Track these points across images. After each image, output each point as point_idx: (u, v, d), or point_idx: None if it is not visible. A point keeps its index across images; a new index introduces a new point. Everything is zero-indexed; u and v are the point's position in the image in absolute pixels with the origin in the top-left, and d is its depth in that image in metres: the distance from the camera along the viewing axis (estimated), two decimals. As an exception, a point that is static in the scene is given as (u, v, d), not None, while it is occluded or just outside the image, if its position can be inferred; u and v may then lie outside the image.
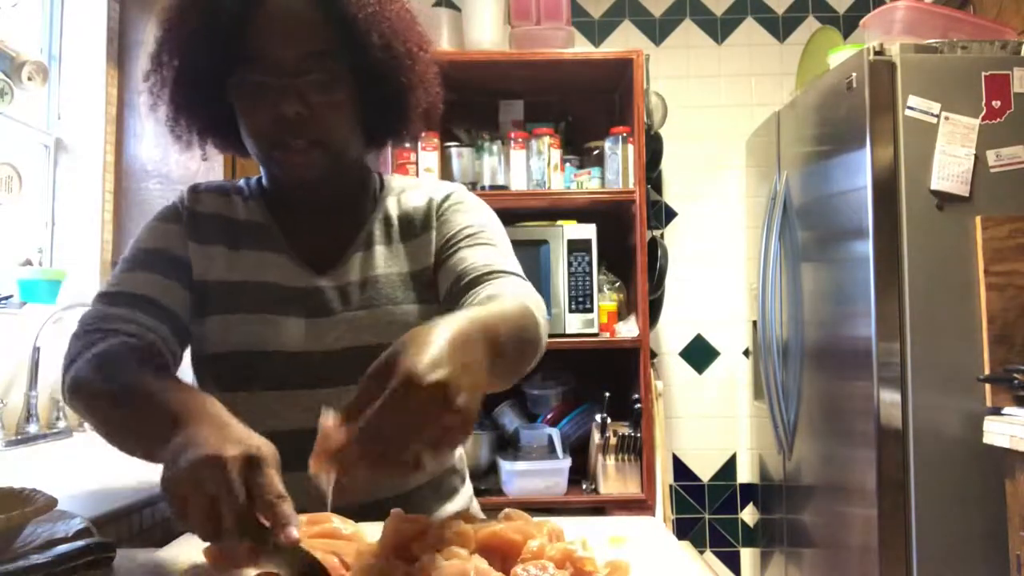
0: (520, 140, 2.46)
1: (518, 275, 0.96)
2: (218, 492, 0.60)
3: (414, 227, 1.06)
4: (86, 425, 1.92)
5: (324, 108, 0.94)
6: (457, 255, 0.99)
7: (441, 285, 1.01)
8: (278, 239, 1.04)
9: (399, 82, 1.01)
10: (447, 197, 1.08)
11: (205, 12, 0.94)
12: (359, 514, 0.84)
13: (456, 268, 0.97)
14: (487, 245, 1.00)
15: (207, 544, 0.65)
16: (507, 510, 0.72)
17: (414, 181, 1.15)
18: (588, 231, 2.41)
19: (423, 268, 1.04)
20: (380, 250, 1.04)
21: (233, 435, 0.66)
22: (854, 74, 2.04)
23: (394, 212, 1.07)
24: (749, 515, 2.92)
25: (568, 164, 2.52)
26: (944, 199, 1.96)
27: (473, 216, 1.05)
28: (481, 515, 1.08)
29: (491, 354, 0.69)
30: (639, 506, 2.25)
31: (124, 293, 0.95)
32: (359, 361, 0.94)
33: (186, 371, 1.02)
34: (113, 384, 0.82)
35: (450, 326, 0.65)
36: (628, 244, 2.49)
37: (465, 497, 1.11)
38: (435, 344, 0.61)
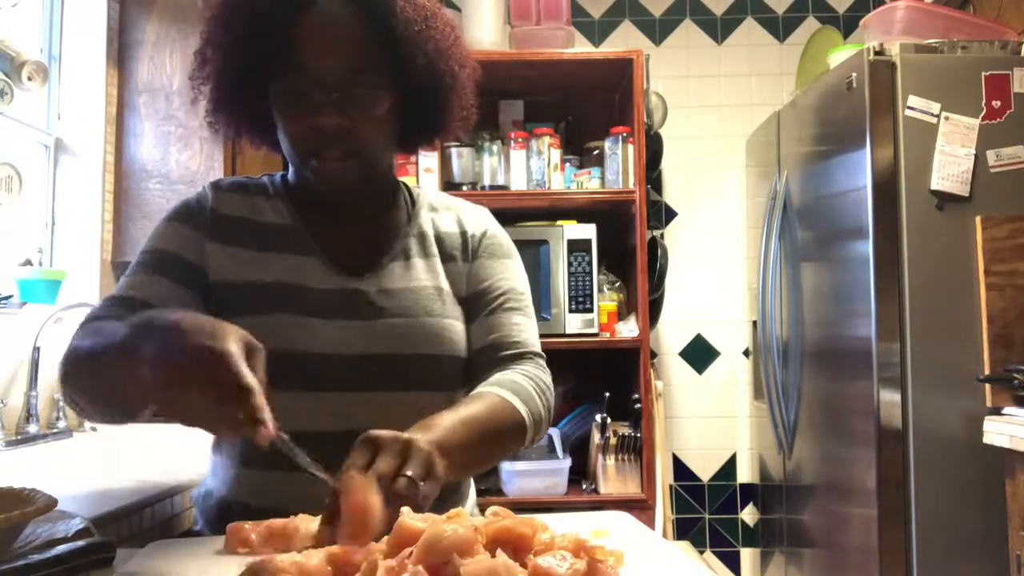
0: (520, 140, 2.46)
1: (537, 354, 1.06)
2: (230, 385, 0.65)
3: (448, 251, 1.09)
4: (86, 425, 1.93)
5: (363, 122, 0.96)
6: (492, 318, 1.05)
7: (474, 338, 1.05)
8: (307, 242, 1.03)
9: (439, 99, 1.03)
10: (483, 235, 1.11)
11: (252, 15, 0.95)
12: None
13: (490, 335, 1.05)
14: (518, 311, 1.08)
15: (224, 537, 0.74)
16: (494, 508, 0.72)
17: (442, 198, 1.17)
18: (588, 231, 2.41)
19: (457, 292, 1.07)
20: (418, 263, 1.06)
21: (222, 327, 0.70)
22: (854, 74, 2.04)
23: (429, 230, 1.09)
24: (749, 515, 2.92)
25: (568, 164, 2.52)
26: (944, 199, 1.96)
27: (505, 268, 1.10)
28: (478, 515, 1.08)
29: (469, 455, 0.85)
30: (639, 506, 2.26)
31: (129, 298, 0.96)
32: (391, 368, 0.99)
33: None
34: (97, 339, 0.81)
35: (445, 431, 0.81)
36: (628, 244, 2.49)
37: (471, 501, 1.12)
38: (431, 453, 0.76)
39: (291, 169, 1.08)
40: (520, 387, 0.98)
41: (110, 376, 0.78)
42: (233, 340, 0.68)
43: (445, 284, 1.06)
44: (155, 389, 0.68)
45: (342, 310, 0.99)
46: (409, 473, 0.72)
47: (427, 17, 0.98)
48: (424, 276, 1.05)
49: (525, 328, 1.07)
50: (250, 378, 0.67)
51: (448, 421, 0.84)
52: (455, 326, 1.04)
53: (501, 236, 1.14)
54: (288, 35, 0.94)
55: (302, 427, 0.90)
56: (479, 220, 1.14)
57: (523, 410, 0.95)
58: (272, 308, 0.98)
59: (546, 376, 1.05)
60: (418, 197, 1.14)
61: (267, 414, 0.67)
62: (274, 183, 1.09)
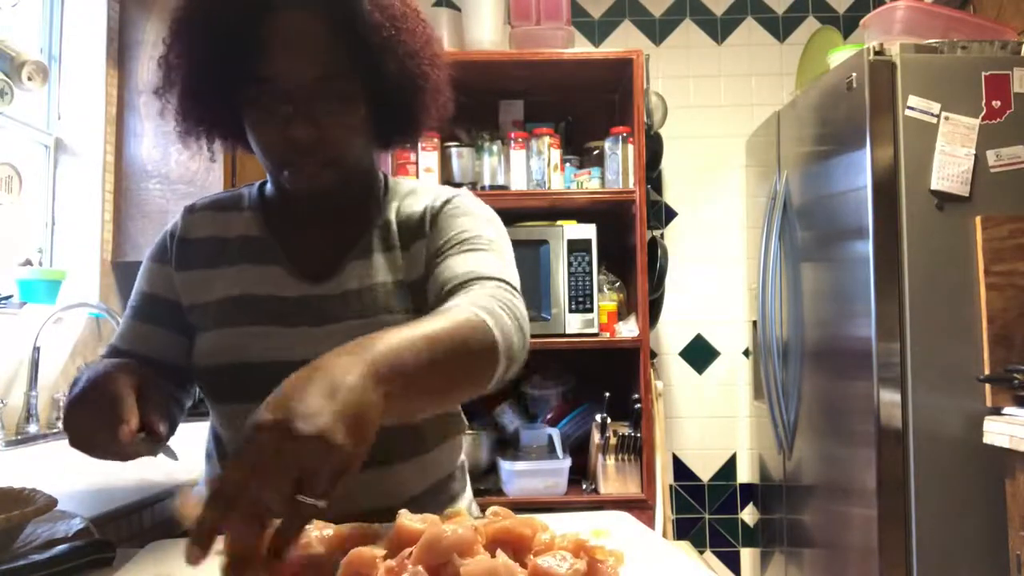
0: (520, 140, 2.46)
1: (501, 279, 0.91)
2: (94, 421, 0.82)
3: (411, 234, 1.03)
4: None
5: (335, 130, 0.93)
6: (444, 263, 0.95)
7: (429, 295, 0.96)
8: (274, 251, 1.02)
9: (413, 101, 1.00)
10: (446, 203, 1.04)
11: (214, 23, 0.92)
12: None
13: (440, 277, 0.94)
14: (477, 251, 0.96)
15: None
16: (494, 508, 0.72)
17: (417, 185, 1.11)
18: (588, 231, 2.41)
19: (418, 277, 1.01)
20: (378, 258, 1.02)
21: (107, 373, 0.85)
22: (854, 74, 2.04)
23: (394, 218, 1.05)
24: (749, 515, 2.92)
25: (568, 164, 2.52)
26: (944, 199, 1.96)
27: (468, 221, 1.01)
28: (477, 514, 1.08)
29: (412, 377, 0.66)
30: (639, 506, 2.25)
31: (117, 348, 1.02)
32: None
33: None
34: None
35: (344, 363, 0.63)
36: (628, 244, 2.49)
37: (465, 502, 1.10)
38: (311, 391, 0.59)
39: (268, 176, 1.06)
40: (483, 300, 0.83)
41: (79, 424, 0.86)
42: (122, 382, 0.82)
43: (404, 275, 1.00)
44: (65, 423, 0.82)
45: (303, 316, 0.98)
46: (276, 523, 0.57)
47: (395, 19, 0.94)
48: (383, 272, 1.01)
49: (485, 260, 0.94)
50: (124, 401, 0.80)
51: (394, 339, 0.68)
52: (415, 319, 0.98)
53: (469, 202, 1.05)
54: (252, 43, 0.91)
55: None
56: (447, 192, 1.07)
57: (490, 321, 0.79)
58: (235, 321, 0.98)
59: (516, 300, 0.89)
60: (393, 188, 1.09)
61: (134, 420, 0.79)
62: (251, 194, 1.09)
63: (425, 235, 1.02)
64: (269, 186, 1.08)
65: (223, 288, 1.01)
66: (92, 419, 0.80)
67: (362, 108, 0.95)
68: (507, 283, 0.91)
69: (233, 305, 0.99)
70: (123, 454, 0.81)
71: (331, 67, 0.92)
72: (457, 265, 0.93)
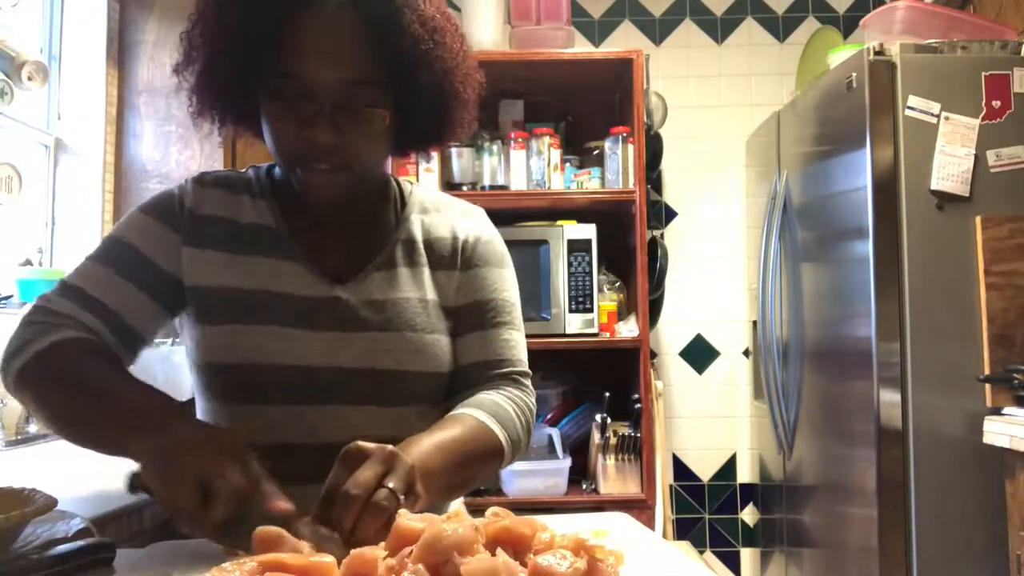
0: (520, 140, 2.46)
1: (523, 373, 1.05)
2: (221, 485, 0.68)
3: (438, 258, 1.03)
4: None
5: (357, 137, 0.90)
6: (483, 334, 1.03)
7: (462, 352, 1.02)
8: (291, 246, 0.98)
9: (440, 115, 0.98)
10: (476, 241, 1.06)
11: (246, 9, 0.88)
12: None
13: (479, 353, 1.02)
14: (510, 326, 1.04)
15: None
16: (493, 508, 0.72)
17: (436, 199, 1.10)
18: (588, 231, 2.41)
19: (444, 302, 1.02)
20: (403, 272, 1.00)
21: (215, 434, 0.75)
22: (854, 74, 2.04)
23: (418, 235, 1.03)
24: (749, 515, 2.92)
25: (568, 164, 2.52)
26: (944, 199, 1.96)
27: (500, 278, 1.06)
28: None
29: (435, 479, 0.80)
30: (639, 506, 2.26)
31: (78, 289, 0.93)
32: (374, 383, 0.95)
33: (173, 377, 1.01)
34: (68, 376, 0.84)
35: (423, 455, 0.80)
36: (628, 244, 2.49)
37: (457, 502, 1.09)
38: (414, 467, 0.74)
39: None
40: (501, 409, 0.96)
41: (84, 422, 0.84)
42: (229, 464, 0.71)
43: (431, 295, 1.01)
44: (150, 486, 0.73)
45: (322, 320, 0.95)
46: (391, 485, 0.71)
47: (435, 32, 0.91)
48: (409, 287, 1.00)
49: (514, 345, 1.05)
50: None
51: (426, 444, 0.83)
52: (439, 341, 1.00)
53: (496, 242, 1.08)
54: (285, 35, 0.87)
55: (278, 441, 0.90)
56: (473, 224, 1.08)
57: (502, 435, 0.93)
58: (250, 317, 0.94)
59: (529, 398, 1.04)
60: (409, 197, 1.07)
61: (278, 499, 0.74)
62: (260, 178, 1.03)
63: (456, 268, 1.04)
64: (279, 172, 1.04)
65: (235, 277, 0.95)
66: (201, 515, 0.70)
67: (387, 118, 0.92)
68: (528, 376, 1.06)
69: (246, 299, 0.95)
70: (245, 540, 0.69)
71: (363, 72, 0.88)
72: (495, 345, 1.03)
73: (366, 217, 1.03)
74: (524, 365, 1.06)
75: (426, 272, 1.02)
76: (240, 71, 0.91)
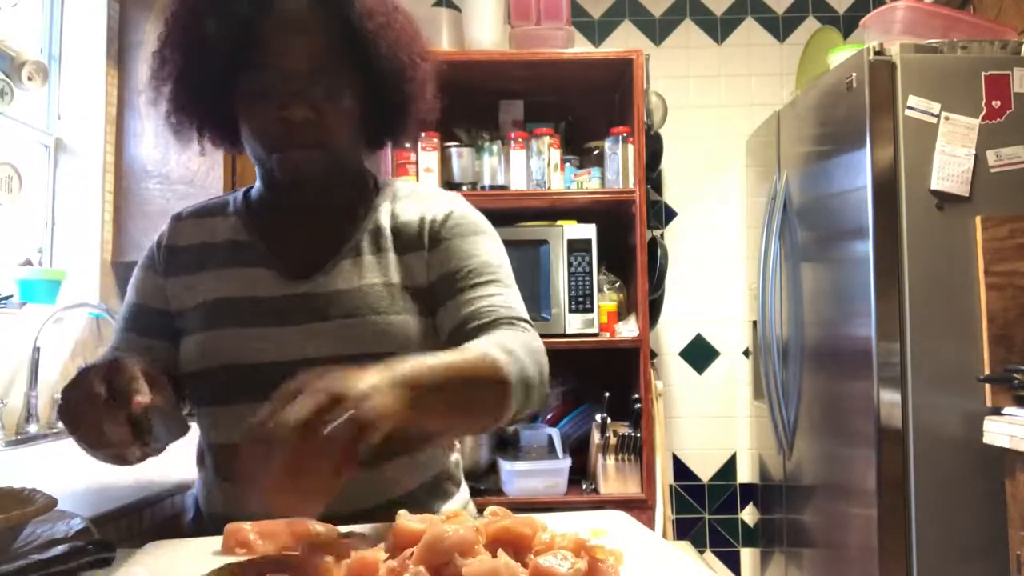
0: (520, 140, 2.46)
1: (515, 319, 0.97)
2: (91, 401, 0.76)
3: (406, 242, 1.04)
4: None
5: (329, 114, 0.97)
6: (461, 297, 0.98)
7: (443, 323, 0.99)
8: (259, 252, 1.04)
9: (401, 91, 1.03)
10: (446, 218, 1.05)
11: (210, 16, 0.94)
12: (350, 521, 0.84)
13: (460, 312, 0.97)
14: (489, 282, 1.00)
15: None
16: (493, 508, 0.72)
17: (411, 189, 1.12)
18: (588, 231, 2.40)
19: (413, 283, 1.02)
20: (368, 259, 1.03)
21: (100, 364, 0.81)
22: (854, 74, 2.04)
23: (386, 223, 1.05)
24: (749, 515, 2.92)
25: (568, 164, 2.52)
26: (944, 199, 1.96)
27: (474, 244, 1.03)
28: (475, 514, 1.08)
29: (426, 394, 0.74)
30: (639, 506, 2.25)
31: (116, 356, 0.99)
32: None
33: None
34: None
35: (369, 370, 0.70)
36: (628, 244, 2.49)
37: (461, 500, 1.10)
38: (368, 379, 0.68)
39: (256, 178, 1.09)
40: (501, 343, 0.89)
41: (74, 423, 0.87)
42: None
43: (396, 278, 1.01)
44: (64, 416, 0.81)
45: (292, 316, 0.99)
46: (327, 418, 0.63)
47: (385, 13, 0.99)
48: (372, 273, 1.01)
49: (503, 295, 0.99)
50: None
51: (415, 362, 0.76)
52: (407, 322, 0.99)
53: (470, 215, 1.07)
54: (249, 35, 0.94)
55: None
56: (443, 204, 1.07)
57: (503, 359, 0.85)
58: (221, 323, 0.99)
59: (534, 340, 0.95)
60: (384, 188, 1.10)
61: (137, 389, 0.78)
62: (236, 200, 1.11)
63: (423, 248, 1.03)
64: (256, 188, 1.10)
65: (207, 292, 1.02)
66: (94, 393, 0.77)
67: (353, 96, 0.99)
68: (527, 322, 0.98)
69: (216, 308, 1.00)
70: (124, 438, 0.76)
71: (326, 56, 0.96)
72: (476, 301, 0.98)
73: (337, 212, 1.06)
74: (516, 312, 0.98)
75: (391, 256, 1.03)
76: (214, 77, 0.97)
